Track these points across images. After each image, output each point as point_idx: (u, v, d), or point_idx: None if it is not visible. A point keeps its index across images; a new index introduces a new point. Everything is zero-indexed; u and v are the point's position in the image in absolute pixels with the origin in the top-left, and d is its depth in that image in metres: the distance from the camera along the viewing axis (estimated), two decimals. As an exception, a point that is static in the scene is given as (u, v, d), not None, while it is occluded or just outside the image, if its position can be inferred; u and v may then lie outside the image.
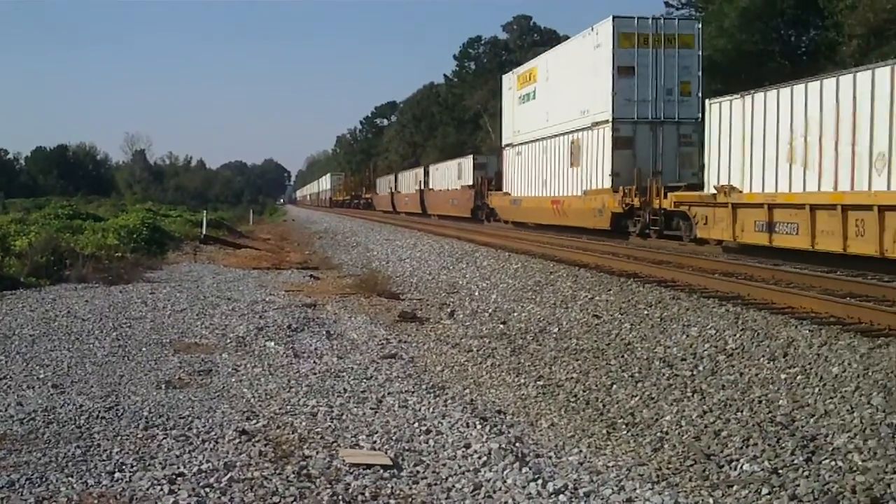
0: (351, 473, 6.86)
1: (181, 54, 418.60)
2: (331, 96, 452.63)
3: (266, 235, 48.44)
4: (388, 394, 9.75)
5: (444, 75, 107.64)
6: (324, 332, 13.78)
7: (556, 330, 13.69)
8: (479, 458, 7.43)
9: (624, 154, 28.86)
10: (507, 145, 42.00)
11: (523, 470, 7.10)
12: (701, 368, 10.33)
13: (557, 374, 11.19)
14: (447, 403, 9.43)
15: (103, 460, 7.04)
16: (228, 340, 12.86)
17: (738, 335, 11.26)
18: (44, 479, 6.54)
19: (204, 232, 36.90)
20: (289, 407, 9.02)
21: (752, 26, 45.15)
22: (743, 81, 36.77)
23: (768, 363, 9.99)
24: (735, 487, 6.91)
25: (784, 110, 19.57)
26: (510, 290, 17.94)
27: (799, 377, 9.32)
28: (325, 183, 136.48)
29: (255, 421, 8.39)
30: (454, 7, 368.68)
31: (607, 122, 29.17)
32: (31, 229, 26.81)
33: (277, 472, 6.83)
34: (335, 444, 7.66)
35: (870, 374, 8.91)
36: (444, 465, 7.25)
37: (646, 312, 13.61)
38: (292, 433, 7.98)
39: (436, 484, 6.78)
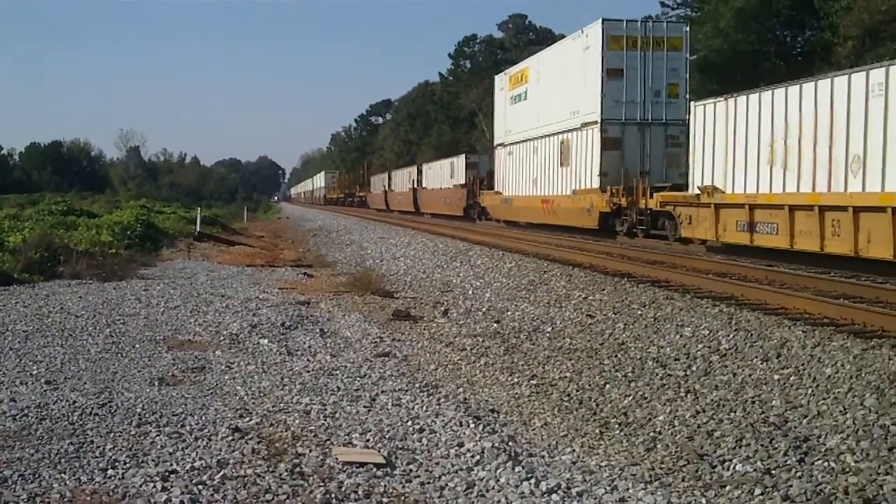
0: (344, 472, 6.86)
1: (176, 51, 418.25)
2: (326, 94, 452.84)
3: (260, 233, 48.41)
4: (382, 392, 9.75)
5: (440, 74, 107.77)
6: (317, 330, 13.77)
7: (549, 329, 13.70)
8: (473, 456, 7.43)
9: (612, 154, 29.39)
10: (499, 145, 42.46)
11: (516, 469, 7.11)
12: (694, 369, 10.34)
13: (551, 373, 11.20)
14: (440, 402, 9.43)
15: (96, 457, 7.03)
16: (222, 338, 12.85)
17: (731, 336, 11.28)
18: (36, 476, 6.53)
19: (198, 229, 36.81)
20: (282, 405, 9.01)
21: (748, 26, 45.18)
22: (738, 82, 36.85)
23: (761, 364, 10.01)
24: (728, 487, 6.92)
25: (765, 113, 20.08)
26: (504, 289, 17.94)
27: (792, 378, 9.33)
28: (319, 181, 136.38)
29: (248, 418, 8.38)
30: (450, 6, 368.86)
31: (596, 122, 29.66)
32: (25, 225, 26.76)
33: (270, 469, 6.83)
34: (328, 443, 7.66)
35: (863, 375, 8.93)
36: (437, 463, 7.25)
37: (639, 312, 13.63)
38: (285, 431, 7.98)
39: (429, 482, 6.78)
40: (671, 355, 11.05)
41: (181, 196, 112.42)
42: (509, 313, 15.40)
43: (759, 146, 20.30)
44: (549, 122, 34.26)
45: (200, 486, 6.39)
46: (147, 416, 8.33)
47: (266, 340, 12.69)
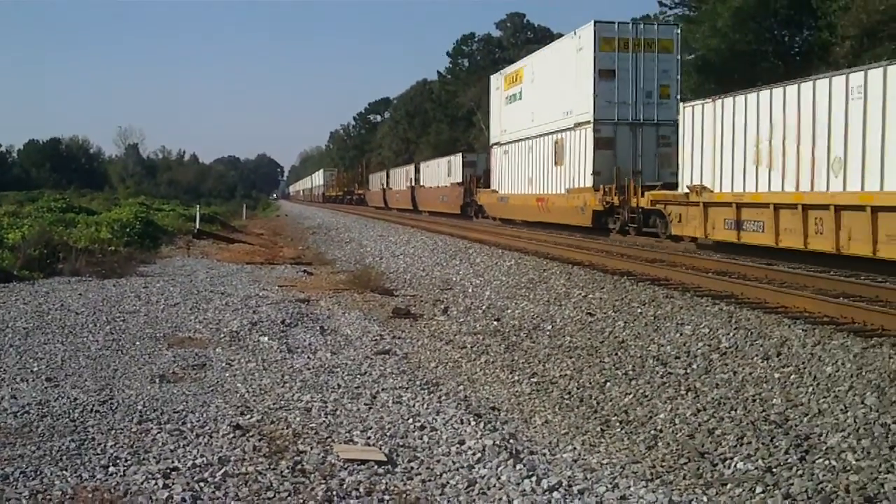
0: (345, 469, 6.86)
1: (175, 49, 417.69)
2: (324, 92, 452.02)
3: (259, 230, 48.39)
4: (383, 390, 9.75)
5: (438, 72, 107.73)
6: (318, 328, 13.77)
7: (549, 327, 13.70)
8: (474, 454, 7.43)
9: (605, 154, 30.07)
10: (495, 144, 43.06)
11: (517, 467, 7.10)
12: (695, 367, 10.35)
13: (551, 371, 11.21)
14: (441, 400, 9.43)
15: (97, 454, 7.03)
16: (222, 335, 12.85)
17: (731, 334, 11.29)
18: (38, 473, 6.53)
19: (197, 226, 36.81)
20: (283, 402, 9.01)
21: (746, 26, 45.14)
22: (736, 81, 36.85)
23: (762, 362, 10.02)
24: (729, 486, 6.93)
25: (751, 115, 20.71)
26: (504, 287, 17.95)
27: (793, 376, 9.34)
28: (318, 178, 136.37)
29: (249, 416, 8.38)
30: (448, 4, 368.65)
31: (589, 122, 30.32)
32: (25, 222, 26.78)
33: (272, 467, 6.83)
34: (329, 440, 7.66)
35: (863, 373, 8.94)
36: (438, 461, 7.25)
37: (639, 311, 13.63)
38: (286, 428, 7.98)
39: (430, 480, 6.78)
40: (671, 353, 11.06)
41: (180, 193, 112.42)
42: (509, 311, 15.41)
43: (745, 146, 20.89)
44: (544, 121, 34.81)
45: (202, 484, 6.39)
46: (148, 413, 8.33)
47: (266, 338, 12.69)
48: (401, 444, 7.67)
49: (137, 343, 12.03)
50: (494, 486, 6.71)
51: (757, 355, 10.29)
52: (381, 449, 7.44)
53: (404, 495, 6.44)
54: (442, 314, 15.76)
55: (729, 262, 18.99)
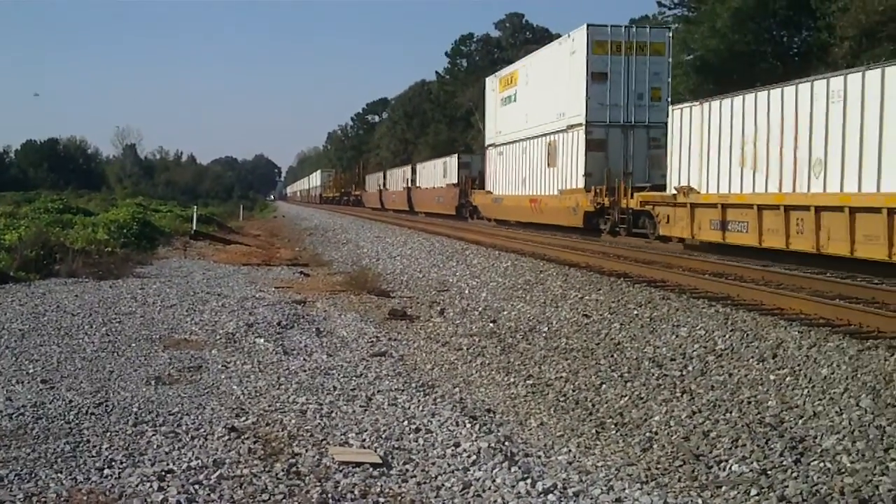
0: (340, 471, 6.86)
1: (173, 49, 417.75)
2: (322, 92, 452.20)
3: (256, 231, 48.38)
4: (378, 392, 9.76)
5: (436, 72, 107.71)
6: (313, 330, 13.77)
7: (545, 329, 13.70)
8: (469, 456, 7.44)
9: (596, 156, 30.43)
10: (490, 145, 43.48)
11: (512, 469, 7.11)
12: (690, 369, 10.35)
13: (547, 373, 11.21)
14: (437, 402, 9.44)
15: (93, 456, 7.04)
16: (218, 337, 12.85)
17: (727, 336, 11.28)
18: (33, 475, 6.53)
19: (194, 227, 36.79)
20: (278, 404, 9.02)
21: (745, 27, 45.14)
22: (735, 82, 36.85)
23: (757, 364, 10.02)
24: (724, 488, 6.93)
25: (737, 118, 21.12)
26: (500, 288, 17.95)
27: (788, 378, 9.34)
28: (315, 179, 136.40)
29: (244, 418, 8.38)
30: (447, 5, 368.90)
31: (581, 124, 30.69)
32: (21, 223, 26.76)
33: (267, 469, 6.83)
34: (324, 442, 7.67)
35: (859, 375, 8.94)
36: (433, 463, 7.26)
37: (636, 312, 13.63)
38: (282, 430, 7.98)
39: (425, 482, 6.79)
40: (667, 355, 11.06)
41: (177, 194, 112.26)
42: (505, 313, 15.41)
43: (731, 148, 21.31)
44: (538, 123, 35.19)
45: (197, 486, 6.39)
46: (143, 415, 8.34)
47: (262, 340, 12.69)
48: (396, 446, 7.68)
49: (133, 345, 12.03)
50: (489, 488, 6.72)
51: (752, 357, 10.29)
52: (376, 451, 7.45)
53: (399, 498, 6.45)
54: (438, 316, 15.76)
55: (725, 263, 18.99)
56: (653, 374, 10.38)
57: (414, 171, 67.65)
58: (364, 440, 7.79)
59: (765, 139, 19.95)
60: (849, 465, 6.98)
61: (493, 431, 8.36)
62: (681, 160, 23.71)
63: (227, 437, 7.64)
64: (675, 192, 23.82)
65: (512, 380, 11.01)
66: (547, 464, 7.54)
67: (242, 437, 7.66)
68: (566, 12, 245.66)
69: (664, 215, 24.69)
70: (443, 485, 6.75)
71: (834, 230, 17.42)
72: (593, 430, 8.82)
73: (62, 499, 6.10)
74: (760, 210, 19.92)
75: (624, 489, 6.89)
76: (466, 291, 18.22)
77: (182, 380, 10.09)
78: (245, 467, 6.85)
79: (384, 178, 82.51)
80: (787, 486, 6.75)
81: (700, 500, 6.77)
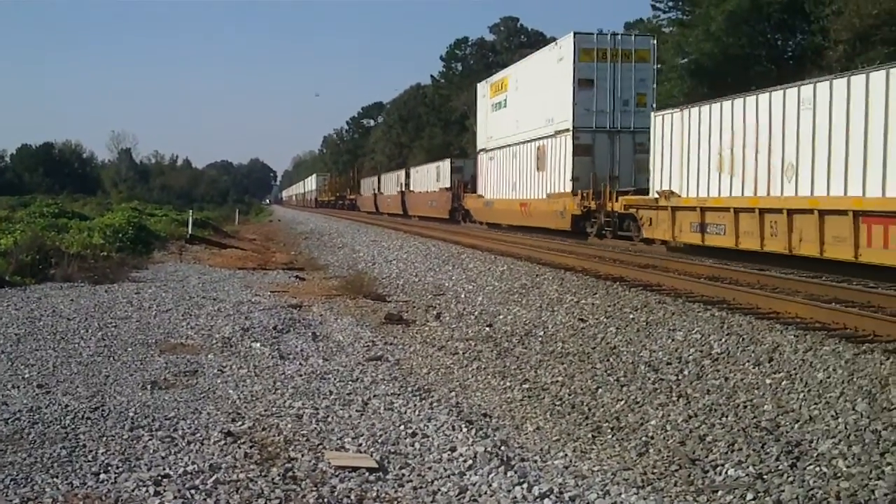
0: (336, 476, 6.86)
1: (168, 53, 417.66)
2: (318, 96, 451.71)
3: (252, 235, 48.32)
4: (374, 396, 9.75)
5: (431, 76, 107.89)
6: (309, 334, 13.76)
7: (541, 333, 13.70)
8: (465, 461, 7.43)
9: (583, 160, 31.46)
10: (481, 150, 44.54)
11: (508, 474, 7.11)
12: (686, 373, 10.36)
13: (543, 377, 11.20)
14: (433, 406, 9.43)
15: (89, 461, 7.03)
16: (214, 341, 12.83)
17: (723, 340, 11.30)
18: (29, 480, 6.52)
19: (190, 231, 36.77)
20: (274, 409, 9.01)
21: (739, 30, 45.26)
22: (730, 85, 37.03)
23: (753, 368, 10.03)
24: (720, 492, 6.93)
25: (715, 124, 22.07)
26: (496, 292, 17.95)
27: (784, 382, 9.35)
28: (310, 183, 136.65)
29: (240, 422, 8.38)
30: (441, 8, 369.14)
31: (568, 130, 31.75)
32: (17, 227, 26.72)
33: (263, 474, 6.83)
34: (321, 447, 7.66)
35: (854, 379, 8.95)
36: (429, 468, 7.25)
37: (631, 316, 13.64)
38: (278, 435, 7.98)
39: (421, 487, 6.78)
40: (663, 359, 11.07)
41: (173, 198, 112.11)
42: (501, 317, 15.41)
43: (710, 154, 22.20)
44: (527, 129, 36.14)
45: (193, 491, 6.38)
46: (139, 419, 8.33)
47: (258, 344, 12.68)
48: (392, 450, 7.68)
49: (129, 349, 12.01)
50: (486, 493, 6.71)
51: (748, 361, 10.30)
52: (372, 456, 7.45)
53: (395, 502, 6.45)
54: (434, 320, 15.75)
55: (721, 267, 19.03)
56: (649, 379, 10.38)
57: (408, 176, 68.55)
58: (360, 445, 7.79)
59: (741, 145, 20.78)
60: (845, 469, 6.99)
61: (489, 436, 8.35)
62: (663, 165, 24.60)
63: (223, 442, 7.63)
64: (657, 195, 24.69)
65: (508, 384, 11.00)
66: (543, 468, 7.54)
67: (239, 442, 7.65)
68: (560, 16, 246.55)
69: (647, 218, 25.54)
70: (439, 489, 6.75)
71: (805, 232, 18.30)
72: (589, 435, 8.82)
73: (58, 503, 6.11)
74: (737, 213, 20.80)
75: (620, 494, 6.89)
76: (462, 295, 18.22)
77: (178, 384, 10.07)
78: (241, 472, 6.84)
79: (379, 182, 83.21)
80: (783, 491, 6.76)
81: (696, 505, 6.78)
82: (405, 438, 8.06)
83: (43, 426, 8.03)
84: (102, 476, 6.67)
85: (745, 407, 8.86)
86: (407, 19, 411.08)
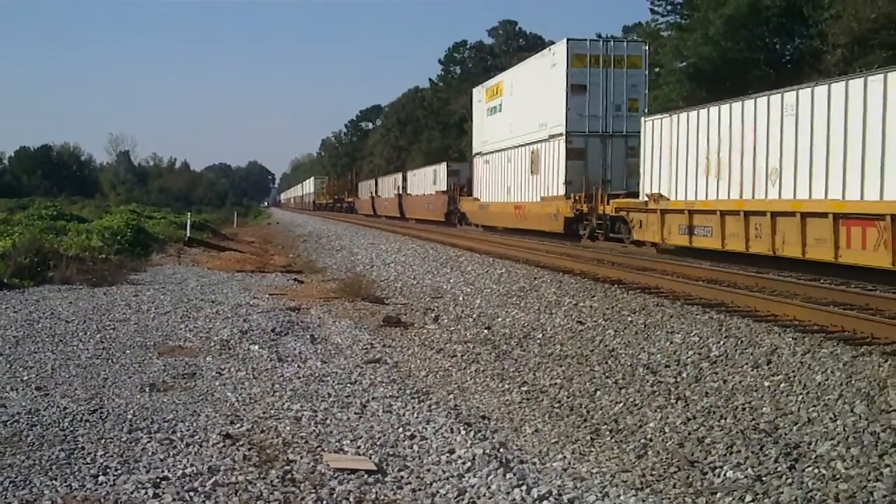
0: (335, 478, 6.86)
1: (166, 56, 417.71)
2: (316, 99, 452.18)
3: (250, 238, 48.27)
4: (373, 399, 9.75)
5: (430, 79, 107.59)
6: (308, 337, 13.76)
7: (540, 336, 13.71)
8: (464, 463, 7.43)
9: (576, 164, 32.02)
10: (477, 154, 45.14)
11: (507, 476, 7.11)
12: (685, 375, 10.36)
13: (541, 379, 11.20)
14: (431, 409, 9.43)
15: (87, 463, 7.02)
16: (212, 344, 12.83)
17: (721, 342, 11.30)
18: (27, 482, 6.52)
19: (188, 234, 36.76)
20: (273, 411, 9.01)
21: (738, 34, 45.21)
22: (728, 89, 37.00)
23: (752, 370, 10.03)
24: (719, 494, 6.94)
25: (703, 129, 22.59)
26: (494, 295, 17.95)
27: (782, 385, 9.36)
28: (308, 186, 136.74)
29: (239, 425, 8.37)
30: (440, 12, 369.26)
31: (561, 134, 32.29)
32: (15, 230, 26.71)
33: (261, 476, 6.83)
34: (319, 449, 7.66)
35: (853, 382, 8.96)
36: (428, 470, 7.25)
37: (630, 319, 13.64)
38: (276, 437, 7.97)
39: (420, 489, 6.78)
40: (661, 362, 11.07)
41: (171, 201, 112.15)
42: (500, 320, 15.41)
43: (697, 158, 22.72)
44: (521, 133, 36.69)
45: (192, 493, 6.38)
46: (138, 422, 8.32)
47: (256, 346, 12.67)
48: (391, 453, 7.67)
49: (128, 352, 12.01)
50: (484, 495, 6.71)
51: (747, 364, 10.30)
52: (370, 458, 7.45)
53: (394, 504, 6.45)
54: (433, 322, 15.76)
55: (719, 270, 19.03)
56: (647, 381, 10.39)
57: (405, 179, 68.99)
58: (359, 447, 7.79)
59: (727, 149, 21.35)
60: (843, 471, 7.00)
61: (487, 438, 8.36)
62: (652, 169, 25.11)
63: (221, 444, 7.63)
64: (646, 198, 25.23)
65: (506, 386, 11.01)
66: (542, 470, 7.54)
67: (237, 444, 7.65)
68: (559, 20, 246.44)
69: (637, 221, 26.08)
70: (438, 492, 6.75)
71: (788, 234, 18.87)
72: (588, 437, 8.83)
73: (57, 506, 6.10)
74: (723, 216, 21.34)
75: (619, 496, 6.90)
76: (461, 298, 18.22)
77: (176, 387, 10.07)
78: (240, 474, 6.84)
79: (376, 185, 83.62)
80: (781, 493, 6.76)
81: (695, 507, 6.78)
82: (404, 441, 8.06)
83: (41, 428, 8.03)
84: (101, 478, 6.66)
85: (744, 409, 8.86)
86: (405, 22, 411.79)
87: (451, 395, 10.52)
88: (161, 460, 7.16)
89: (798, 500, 6.62)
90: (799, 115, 18.60)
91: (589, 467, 7.78)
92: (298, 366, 11.48)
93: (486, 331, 14.60)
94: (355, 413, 9.05)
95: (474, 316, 16.04)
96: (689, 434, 8.43)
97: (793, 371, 9.71)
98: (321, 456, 7.42)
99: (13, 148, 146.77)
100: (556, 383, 10.94)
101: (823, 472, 7.04)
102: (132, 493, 6.35)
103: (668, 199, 24.06)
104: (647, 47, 34.25)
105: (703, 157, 22.43)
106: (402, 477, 7.04)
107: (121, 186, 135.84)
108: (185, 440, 7.75)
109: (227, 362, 11.53)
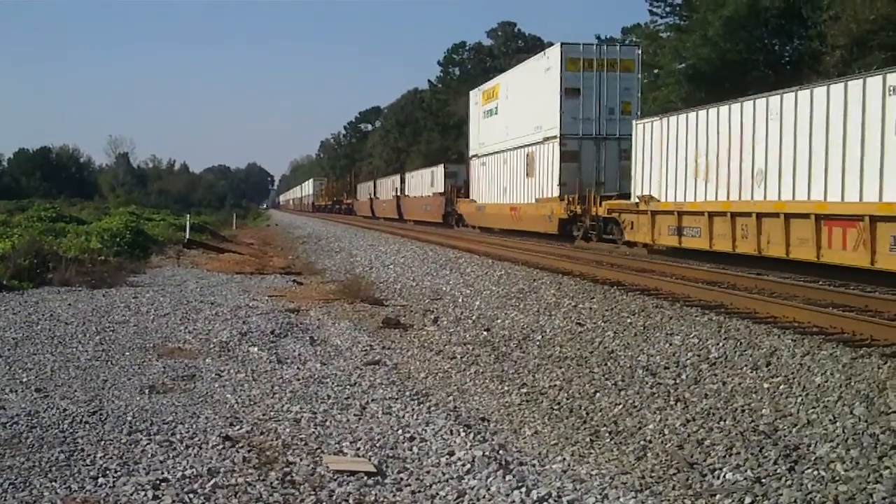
0: (335, 480, 6.86)
1: (165, 57, 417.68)
2: (315, 101, 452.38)
3: (249, 240, 48.23)
4: (372, 400, 9.75)
5: (429, 81, 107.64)
6: (307, 338, 13.76)
7: (539, 337, 13.71)
8: (463, 465, 7.43)
9: (570, 166, 32.52)
10: (474, 156, 45.64)
11: (507, 478, 7.11)
12: (684, 377, 10.36)
13: (541, 381, 11.20)
14: (431, 410, 9.43)
15: (87, 465, 7.02)
16: (212, 345, 12.83)
17: (720, 344, 11.30)
18: (27, 484, 6.52)
19: (187, 236, 36.74)
20: (272, 413, 9.00)
21: (737, 35, 45.25)
22: (727, 90, 37.00)
23: (751, 372, 10.04)
24: (718, 496, 6.93)
25: (692, 132, 23.14)
26: (494, 297, 17.95)
27: (782, 386, 9.36)
28: (307, 188, 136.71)
29: (238, 427, 8.37)
30: (439, 13, 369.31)
31: (556, 137, 32.79)
32: (14, 232, 26.72)
33: (261, 478, 6.83)
34: (319, 451, 7.65)
35: (852, 383, 8.96)
36: (427, 472, 7.25)
37: (629, 321, 13.65)
38: (276, 439, 7.97)
39: (419, 491, 6.78)
40: (661, 364, 11.07)
41: (170, 203, 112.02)
42: (499, 321, 15.41)
43: (686, 160, 23.24)
44: (517, 135, 37.19)
45: (191, 495, 6.38)
46: (138, 424, 8.32)
47: (256, 348, 12.67)
48: (390, 455, 7.67)
49: (127, 353, 12.00)
50: (484, 497, 6.71)
51: (746, 365, 10.31)
52: (370, 460, 7.44)
53: (394, 506, 6.45)
54: (432, 324, 15.76)
55: (719, 272, 19.06)
56: (647, 383, 10.39)
57: (403, 181, 69.36)
58: (358, 449, 7.79)
59: (715, 152, 21.91)
60: (843, 472, 7.00)
61: (487, 440, 8.36)
62: (643, 171, 25.66)
63: (221, 446, 7.63)
64: (637, 200, 25.73)
65: (506, 388, 11.01)
66: (541, 472, 7.54)
67: (237, 446, 7.65)
68: (558, 21, 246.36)
69: (629, 222, 26.65)
70: (437, 493, 6.75)
71: (772, 234, 19.40)
72: (587, 439, 8.83)
73: (57, 508, 6.10)
74: (711, 217, 21.89)
75: (618, 497, 6.90)
76: (460, 300, 18.22)
77: (176, 388, 10.07)
78: (240, 476, 6.84)
79: (375, 186, 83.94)
80: (781, 494, 6.76)
81: (694, 509, 6.78)
82: (403, 442, 8.06)
83: (41, 430, 8.03)
84: (101, 480, 6.66)
85: (743, 411, 8.87)
86: (405, 23, 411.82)
87: (451, 397, 10.52)
88: (161, 462, 7.16)
89: (797, 501, 6.62)
90: (783, 119, 19.14)
91: (588, 469, 7.78)
92: (298, 367, 11.48)
93: (485, 332, 14.60)
94: (355, 415, 9.05)
95: (474, 317, 16.04)
96: (689, 436, 8.43)
97: (792, 373, 9.72)
98: (321, 458, 7.42)
99: (12, 149, 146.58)
100: (555, 385, 10.94)
101: (823, 473, 7.04)
102: (132, 494, 6.35)
103: (659, 201, 24.56)
104: (640, 51, 34.89)
105: (691, 160, 22.95)
106: (401, 479, 7.04)
107: (120, 188, 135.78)
108: (185, 442, 7.75)
109: (227, 364, 11.52)
